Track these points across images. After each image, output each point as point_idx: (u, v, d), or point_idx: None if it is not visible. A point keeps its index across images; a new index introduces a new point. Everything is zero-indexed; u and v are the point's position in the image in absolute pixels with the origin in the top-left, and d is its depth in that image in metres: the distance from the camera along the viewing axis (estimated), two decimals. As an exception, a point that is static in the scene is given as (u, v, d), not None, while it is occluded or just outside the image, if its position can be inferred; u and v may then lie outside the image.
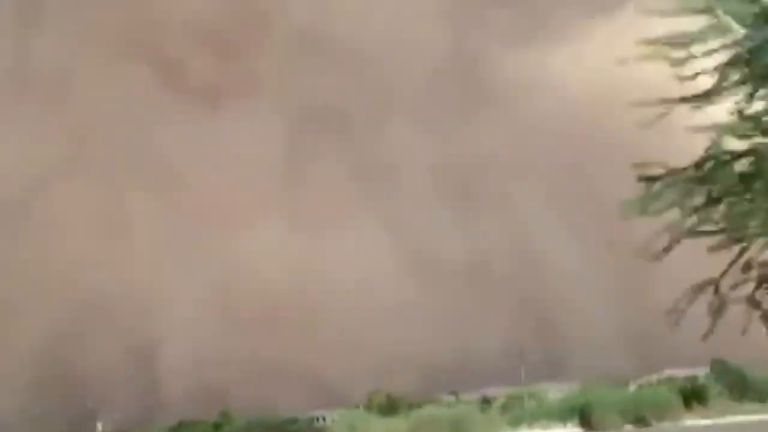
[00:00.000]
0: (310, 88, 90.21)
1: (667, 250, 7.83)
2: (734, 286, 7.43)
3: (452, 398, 73.07)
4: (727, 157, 7.45)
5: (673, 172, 7.67)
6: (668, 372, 77.43)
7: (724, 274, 7.48)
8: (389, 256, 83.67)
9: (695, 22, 7.32)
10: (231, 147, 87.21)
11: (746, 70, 7.36)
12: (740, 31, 7.29)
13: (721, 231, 7.70)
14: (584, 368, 76.51)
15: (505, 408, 68.22)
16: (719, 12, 7.30)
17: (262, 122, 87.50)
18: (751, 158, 7.31)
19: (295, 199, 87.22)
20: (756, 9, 7.15)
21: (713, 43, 7.30)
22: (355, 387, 72.46)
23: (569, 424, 64.46)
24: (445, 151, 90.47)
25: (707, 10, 7.30)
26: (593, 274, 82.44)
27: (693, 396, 70.36)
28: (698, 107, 7.56)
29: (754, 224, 7.54)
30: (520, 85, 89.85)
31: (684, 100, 7.58)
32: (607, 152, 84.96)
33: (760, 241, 7.42)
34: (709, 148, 7.43)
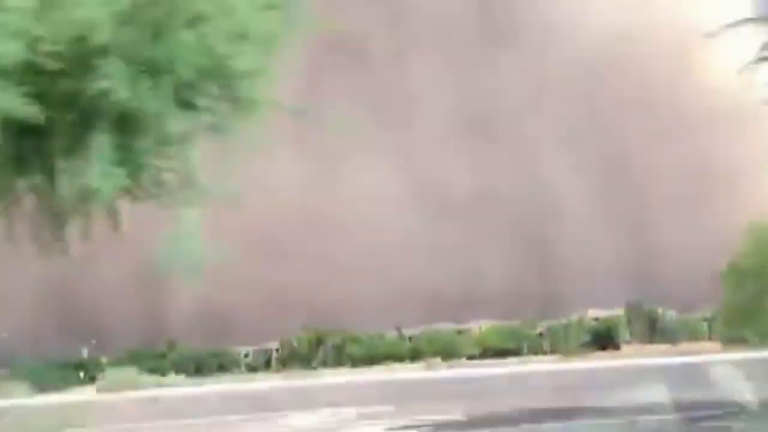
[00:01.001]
0: (329, 15, 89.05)
1: None
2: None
3: (395, 333, 72.30)
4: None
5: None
6: (591, 312, 76.71)
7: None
8: (400, 188, 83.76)
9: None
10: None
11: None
12: None
13: None
14: (581, 302, 76.63)
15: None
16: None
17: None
18: None
19: (308, 128, 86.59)
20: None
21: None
22: (359, 317, 72.55)
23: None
24: (462, 87, 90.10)
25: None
26: (598, 211, 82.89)
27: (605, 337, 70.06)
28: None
29: None
30: (541, 25, 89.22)
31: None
32: (619, 94, 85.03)
33: None
34: None
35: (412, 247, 78.11)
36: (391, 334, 72.90)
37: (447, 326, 73.20)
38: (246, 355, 74.02)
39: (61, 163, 8.48)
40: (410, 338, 72.96)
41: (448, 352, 68.57)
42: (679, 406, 24.26)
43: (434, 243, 79.50)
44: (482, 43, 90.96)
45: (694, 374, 43.81)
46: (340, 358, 68.28)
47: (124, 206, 9.44)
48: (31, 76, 7.69)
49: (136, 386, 60.55)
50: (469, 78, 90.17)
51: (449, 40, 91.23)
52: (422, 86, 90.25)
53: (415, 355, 68.20)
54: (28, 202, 8.93)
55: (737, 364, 45.38)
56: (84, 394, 61.91)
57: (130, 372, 66.16)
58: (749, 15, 25.21)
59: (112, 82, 7.86)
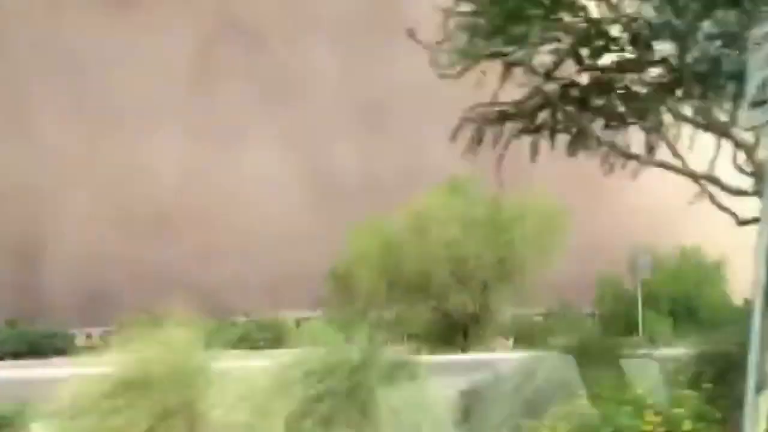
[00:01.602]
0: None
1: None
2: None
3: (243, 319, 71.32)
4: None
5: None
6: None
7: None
8: (287, 173, 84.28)
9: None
10: (140, 52, 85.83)
11: None
12: None
13: None
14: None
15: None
16: None
17: (173, 30, 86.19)
18: None
19: (200, 110, 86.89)
20: None
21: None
22: (239, 300, 72.70)
23: None
24: (357, 75, 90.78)
25: None
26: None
27: None
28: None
29: None
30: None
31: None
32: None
33: None
34: None
35: (295, 233, 78.57)
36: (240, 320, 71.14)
37: (295, 314, 72.14)
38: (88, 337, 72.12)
39: None
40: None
41: (275, 341, 66.08)
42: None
43: (318, 229, 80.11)
44: (380, 33, 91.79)
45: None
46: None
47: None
48: None
49: None
50: (365, 66, 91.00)
51: (348, 27, 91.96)
52: (316, 71, 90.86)
53: (241, 343, 65.30)
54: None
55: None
56: None
57: None
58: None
59: None
